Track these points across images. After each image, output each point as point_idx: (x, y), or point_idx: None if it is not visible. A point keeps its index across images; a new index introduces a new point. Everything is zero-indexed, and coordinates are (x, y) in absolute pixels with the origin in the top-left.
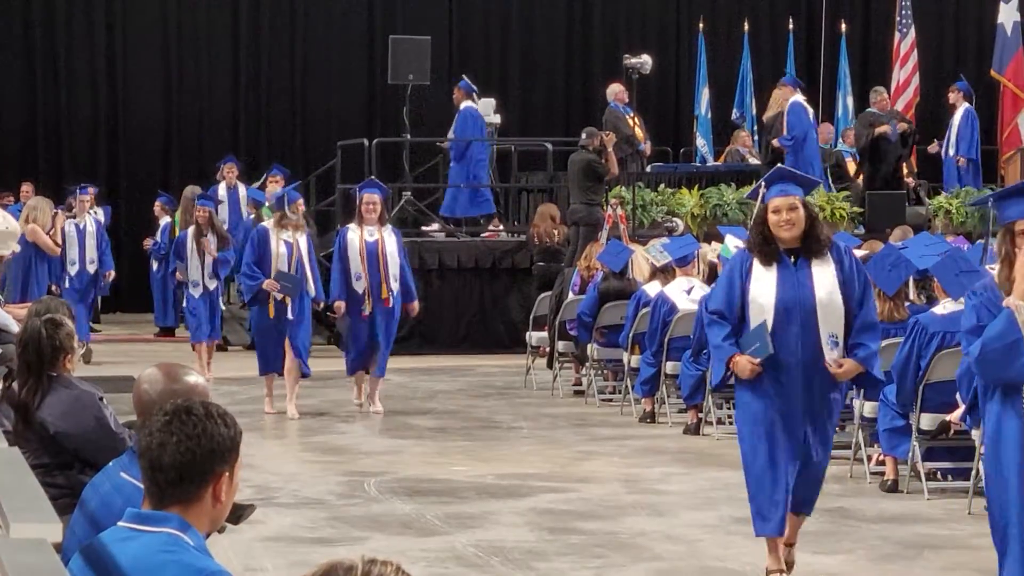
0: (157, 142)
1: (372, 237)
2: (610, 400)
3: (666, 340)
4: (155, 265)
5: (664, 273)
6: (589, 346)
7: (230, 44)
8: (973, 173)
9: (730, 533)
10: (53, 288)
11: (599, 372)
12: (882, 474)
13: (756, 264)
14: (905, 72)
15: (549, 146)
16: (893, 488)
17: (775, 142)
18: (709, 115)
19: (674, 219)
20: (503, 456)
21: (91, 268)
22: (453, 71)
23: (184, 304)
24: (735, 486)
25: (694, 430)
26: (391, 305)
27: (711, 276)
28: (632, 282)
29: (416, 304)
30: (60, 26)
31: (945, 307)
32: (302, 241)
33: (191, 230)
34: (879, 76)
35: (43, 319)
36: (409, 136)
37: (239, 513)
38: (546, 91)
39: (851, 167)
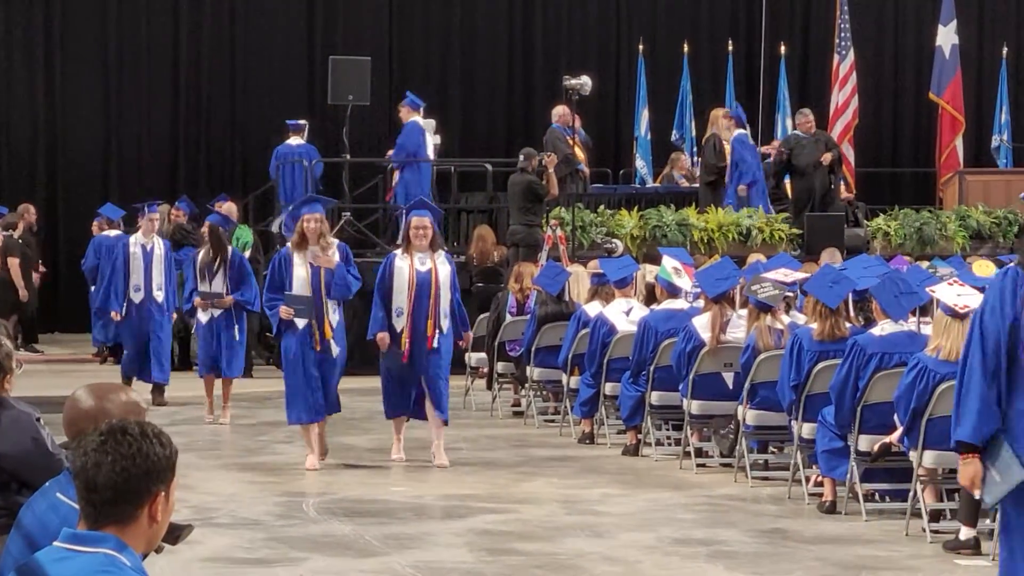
0: (96, 163)
1: (424, 266)
2: (550, 421)
3: (605, 361)
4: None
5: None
6: (528, 367)
7: (169, 65)
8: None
9: (668, 554)
10: (114, 316)
11: (538, 393)
12: (820, 495)
13: None
14: (844, 94)
15: (489, 167)
16: (831, 509)
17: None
18: (649, 136)
19: (613, 240)
20: (442, 477)
21: (159, 296)
22: (393, 91)
23: (194, 333)
24: (673, 507)
25: (633, 451)
26: (435, 346)
27: (649, 297)
28: (570, 304)
29: (469, 334)
30: None
31: (883, 328)
32: (335, 259)
33: (201, 251)
34: (818, 98)
35: None
36: (349, 156)
37: (177, 533)
38: (486, 112)
39: (789, 189)
